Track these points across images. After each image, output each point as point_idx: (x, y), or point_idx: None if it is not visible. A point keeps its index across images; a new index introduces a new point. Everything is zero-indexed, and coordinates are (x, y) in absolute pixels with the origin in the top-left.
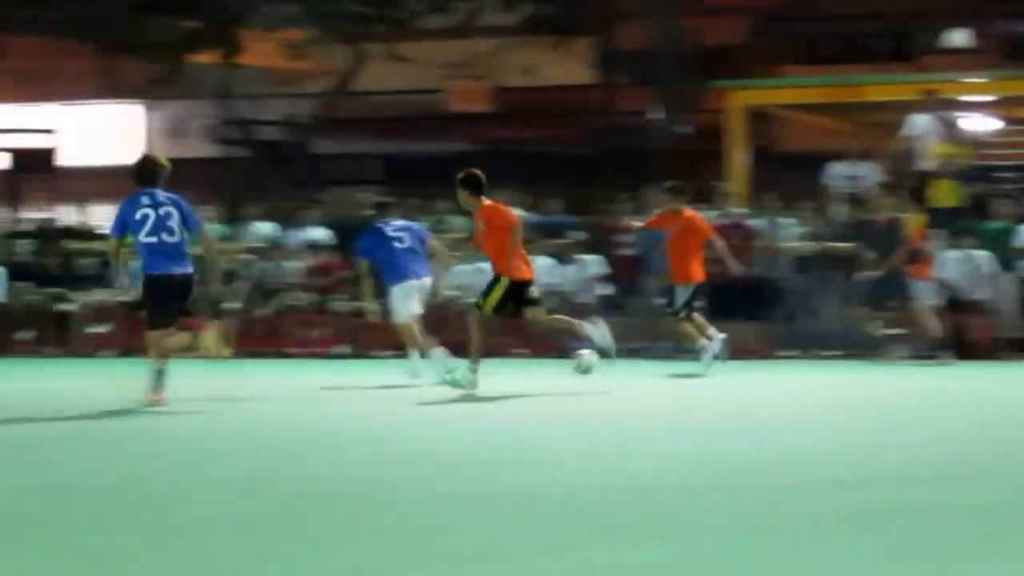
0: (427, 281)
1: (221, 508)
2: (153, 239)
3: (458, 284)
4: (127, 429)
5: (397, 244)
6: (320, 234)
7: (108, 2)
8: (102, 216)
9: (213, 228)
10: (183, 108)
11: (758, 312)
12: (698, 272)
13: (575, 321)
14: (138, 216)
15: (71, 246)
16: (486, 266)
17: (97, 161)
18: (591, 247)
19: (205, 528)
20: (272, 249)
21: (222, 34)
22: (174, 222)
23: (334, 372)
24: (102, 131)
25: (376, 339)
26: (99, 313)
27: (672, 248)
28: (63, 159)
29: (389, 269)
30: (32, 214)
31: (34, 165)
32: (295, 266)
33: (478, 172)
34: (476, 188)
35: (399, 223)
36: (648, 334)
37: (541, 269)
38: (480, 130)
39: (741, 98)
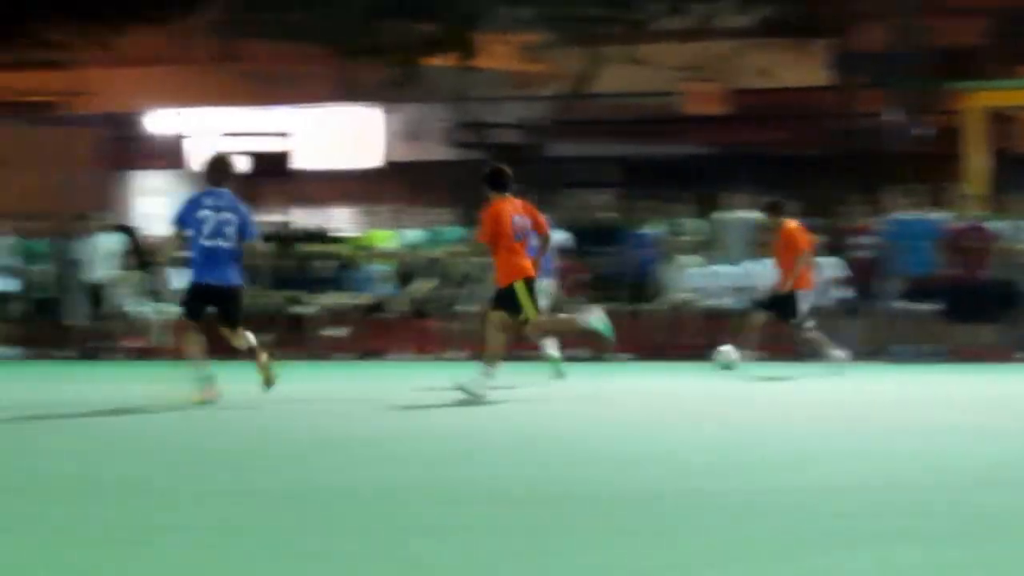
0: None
1: (463, 509)
2: (208, 243)
3: (692, 287)
4: (367, 431)
5: None
6: (558, 237)
7: (344, 6)
8: (339, 219)
9: (449, 231)
10: (419, 111)
11: (997, 315)
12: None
13: (572, 317)
14: (198, 215)
15: (307, 249)
16: (721, 269)
17: (333, 164)
18: (828, 249)
19: (446, 530)
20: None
21: (458, 37)
22: (232, 228)
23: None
24: (338, 134)
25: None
26: (335, 316)
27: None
28: (299, 162)
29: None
30: (268, 217)
31: (271, 168)
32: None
33: (505, 168)
34: (499, 184)
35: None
36: (886, 337)
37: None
38: (715, 133)
39: (981, 99)
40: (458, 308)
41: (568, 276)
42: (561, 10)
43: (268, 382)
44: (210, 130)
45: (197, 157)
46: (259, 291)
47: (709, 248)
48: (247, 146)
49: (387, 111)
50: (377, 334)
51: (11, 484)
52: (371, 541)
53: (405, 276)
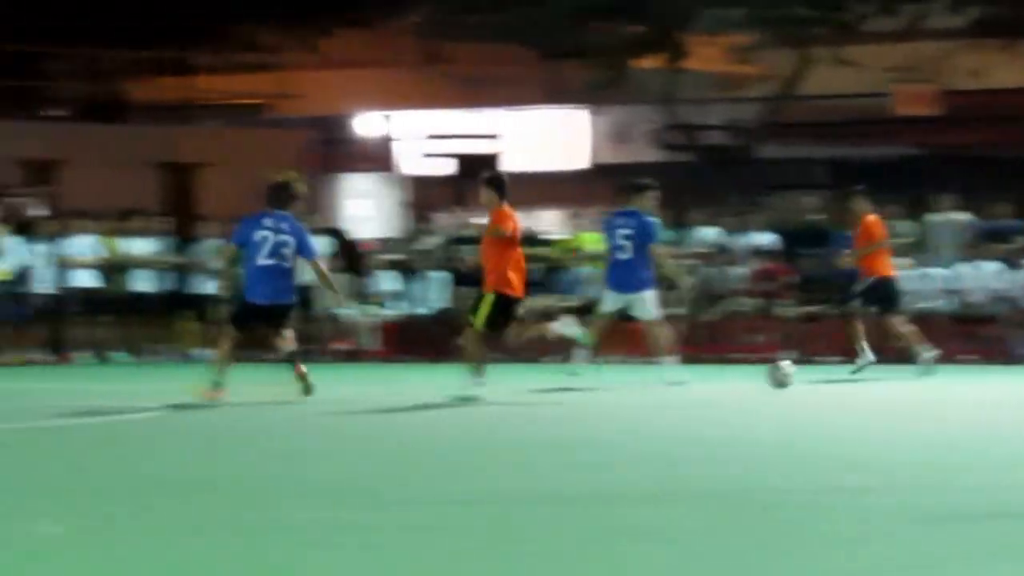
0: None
1: (673, 512)
2: (265, 262)
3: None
4: (582, 433)
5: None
6: (766, 239)
7: (552, 7)
8: (546, 222)
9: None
10: (626, 113)
11: None
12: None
13: (547, 325)
14: (256, 237)
15: None
16: (931, 271)
17: (541, 167)
18: None
19: (654, 533)
20: (717, 254)
21: (666, 38)
22: (288, 250)
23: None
24: (545, 136)
25: (823, 345)
26: (544, 318)
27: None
28: (507, 164)
29: None
30: (477, 219)
31: (478, 171)
32: (740, 271)
33: (503, 174)
34: (501, 190)
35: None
36: None
37: (989, 274)
38: (927, 134)
39: None
40: (666, 311)
41: (776, 278)
42: (770, 11)
43: (307, 391)
44: (417, 132)
45: (405, 160)
46: (467, 294)
47: (919, 250)
48: (456, 148)
49: (593, 113)
50: None
51: (246, 486)
52: (583, 543)
53: None
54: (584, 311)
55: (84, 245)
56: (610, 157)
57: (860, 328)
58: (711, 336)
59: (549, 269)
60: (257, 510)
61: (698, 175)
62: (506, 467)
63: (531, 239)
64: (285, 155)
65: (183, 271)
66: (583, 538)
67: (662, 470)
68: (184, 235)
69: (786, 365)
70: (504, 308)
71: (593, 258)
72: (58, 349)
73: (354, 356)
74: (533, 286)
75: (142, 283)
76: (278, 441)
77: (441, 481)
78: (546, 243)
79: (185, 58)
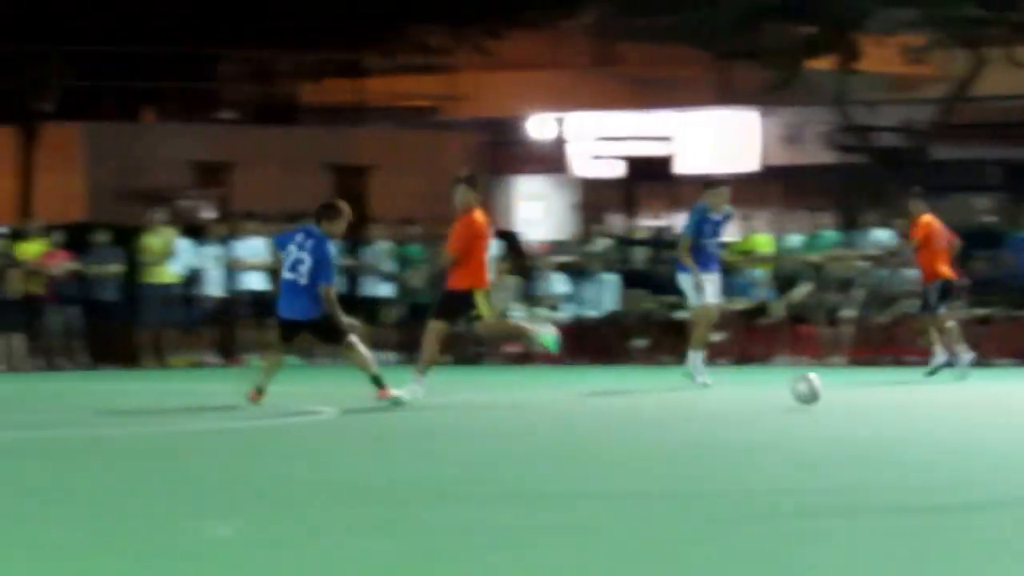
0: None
1: (832, 521)
2: (287, 275)
3: None
4: (746, 436)
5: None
6: None
7: (726, 8)
8: None
9: (829, 235)
10: (798, 114)
11: None
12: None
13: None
14: (287, 249)
15: None
16: None
17: (713, 169)
18: None
19: (819, 539)
20: (890, 256)
21: (839, 39)
22: (304, 267)
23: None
24: (716, 138)
25: (995, 347)
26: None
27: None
28: (679, 167)
29: None
30: (647, 221)
31: (650, 172)
32: (913, 273)
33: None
34: (476, 190)
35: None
36: None
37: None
38: None
39: None
40: (841, 314)
41: None
42: (943, 11)
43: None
44: (587, 134)
45: (576, 161)
46: (637, 296)
47: None
48: (627, 150)
49: (764, 114)
50: (754, 339)
51: (423, 488)
52: (755, 544)
53: (784, 281)
54: (755, 314)
55: (254, 247)
56: (781, 159)
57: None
58: (885, 338)
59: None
60: (436, 511)
61: (870, 177)
62: (661, 465)
63: None
64: (453, 157)
65: (353, 273)
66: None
67: (854, 475)
68: (354, 237)
69: (814, 378)
70: (465, 303)
71: (765, 260)
72: (228, 352)
73: (524, 359)
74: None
75: None
76: (451, 443)
77: (628, 481)
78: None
79: (355, 60)
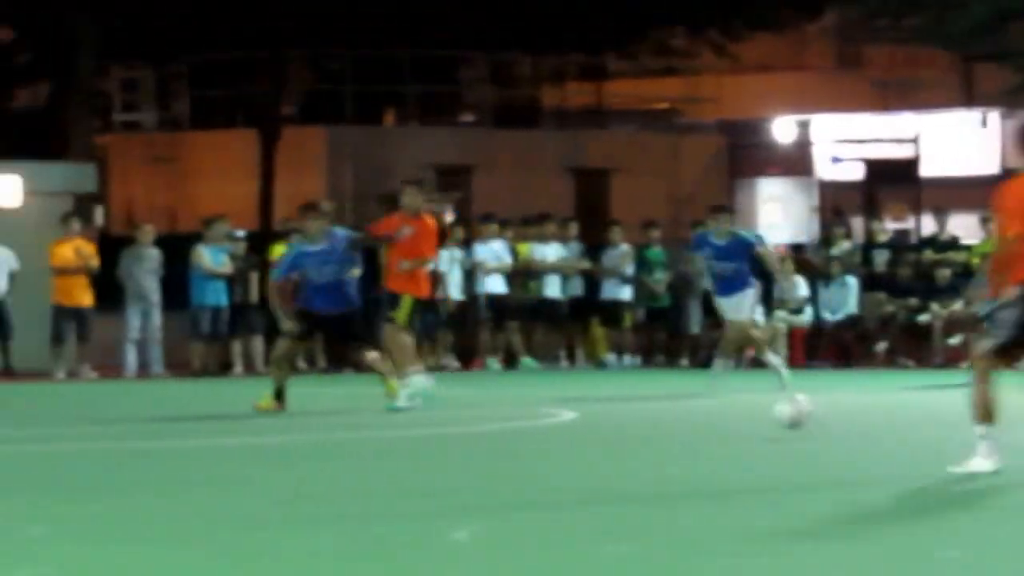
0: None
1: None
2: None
3: None
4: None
5: None
6: None
7: (973, 9)
8: (960, 227)
9: None
10: None
11: None
12: None
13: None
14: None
15: (928, 256)
16: None
17: (956, 171)
18: None
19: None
20: None
21: None
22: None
23: None
24: (958, 141)
25: None
26: (952, 325)
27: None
28: (924, 169)
29: None
30: (889, 224)
31: (893, 175)
32: None
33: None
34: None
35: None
36: None
37: None
38: None
39: None
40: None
41: None
42: None
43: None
44: (828, 136)
45: (818, 164)
46: (878, 299)
47: None
48: (868, 152)
49: (1004, 116)
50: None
51: (640, 490)
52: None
53: None
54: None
55: (493, 250)
56: (1021, 162)
57: None
58: None
59: (959, 274)
60: (693, 516)
61: None
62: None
63: (941, 244)
64: (696, 160)
65: (592, 277)
66: None
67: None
68: (594, 241)
69: (803, 400)
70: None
71: None
72: (466, 355)
73: (757, 363)
74: (942, 292)
75: (551, 289)
76: (713, 444)
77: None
78: (960, 248)
79: (596, 63)
